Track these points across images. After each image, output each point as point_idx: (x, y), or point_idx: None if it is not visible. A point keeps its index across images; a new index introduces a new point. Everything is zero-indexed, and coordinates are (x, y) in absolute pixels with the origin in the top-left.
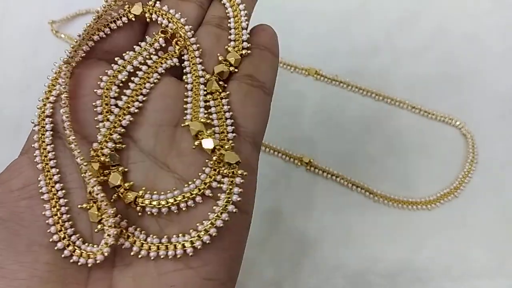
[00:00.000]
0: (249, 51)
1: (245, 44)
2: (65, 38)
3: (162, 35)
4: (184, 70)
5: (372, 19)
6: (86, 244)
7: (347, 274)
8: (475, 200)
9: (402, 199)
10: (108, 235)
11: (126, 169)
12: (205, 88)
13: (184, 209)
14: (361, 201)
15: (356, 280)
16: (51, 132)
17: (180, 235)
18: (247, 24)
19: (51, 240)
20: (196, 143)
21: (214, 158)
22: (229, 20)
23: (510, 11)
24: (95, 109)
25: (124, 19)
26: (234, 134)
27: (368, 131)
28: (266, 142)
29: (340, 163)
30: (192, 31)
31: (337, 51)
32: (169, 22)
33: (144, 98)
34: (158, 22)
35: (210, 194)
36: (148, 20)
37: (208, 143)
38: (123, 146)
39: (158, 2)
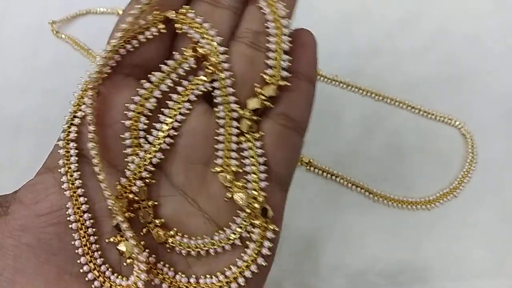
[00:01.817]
0: (288, 84)
1: (284, 74)
2: (66, 38)
3: (193, 54)
4: (215, 100)
5: (373, 20)
6: (115, 275)
7: (347, 274)
8: (474, 200)
9: (402, 199)
10: (138, 277)
11: (156, 203)
12: (237, 125)
13: (213, 253)
14: (361, 201)
15: (356, 280)
16: (77, 158)
17: (207, 276)
18: (290, 45)
19: (81, 270)
20: (228, 195)
21: (247, 210)
22: (268, 38)
23: (510, 12)
24: (123, 142)
25: (154, 29)
26: (267, 183)
27: (368, 131)
28: None
29: (340, 163)
30: (227, 56)
31: (338, 51)
32: (202, 37)
33: (175, 133)
34: (189, 35)
35: (240, 244)
36: (178, 31)
37: (240, 198)
38: (153, 181)
39: (192, 11)
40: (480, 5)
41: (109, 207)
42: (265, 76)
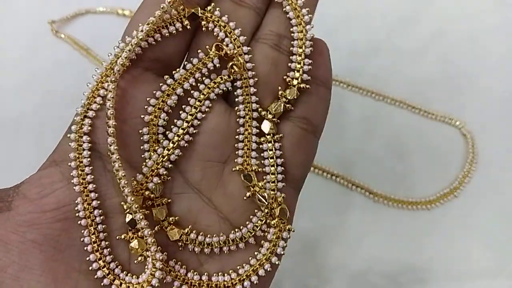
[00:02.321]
0: (308, 86)
1: (305, 77)
2: (65, 38)
3: (218, 53)
4: (237, 99)
5: (373, 20)
6: (125, 272)
7: (347, 274)
8: (475, 200)
9: (402, 199)
10: (152, 274)
11: (169, 200)
12: (257, 125)
13: (226, 252)
14: (361, 201)
15: (356, 280)
16: (89, 152)
17: (220, 274)
18: (311, 50)
19: (90, 268)
20: (248, 194)
21: (266, 211)
22: (292, 42)
23: (510, 11)
24: (141, 138)
25: (178, 25)
26: (283, 184)
27: (368, 131)
28: None
29: (340, 163)
30: (250, 54)
31: (337, 51)
32: (226, 36)
33: (194, 131)
34: (214, 33)
35: (254, 242)
36: (204, 29)
37: (262, 200)
38: (169, 178)
39: (217, 9)
40: (480, 5)
41: (127, 204)
42: (287, 79)
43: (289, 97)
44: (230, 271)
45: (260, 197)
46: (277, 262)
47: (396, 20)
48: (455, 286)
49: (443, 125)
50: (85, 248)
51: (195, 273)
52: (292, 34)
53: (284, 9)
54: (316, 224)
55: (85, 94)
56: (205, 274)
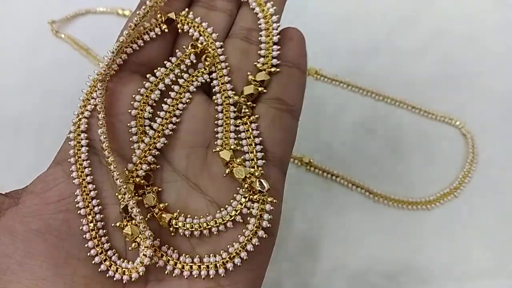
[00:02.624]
0: (278, 70)
1: (274, 61)
2: (65, 38)
3: (193, 50)
4: (214, 90)
5: (372, 19)
6: (121, 259)
7: (347, 274)
8: (475, 200)
9: (402, 199)
10: (144, 255)
11: (160, 189)
12: (235, 110)
13: (215, 232)
14: (361, 201)
15: (356, 280)
16: (87, 148)
17: (211, 255)
18: (279, 38)
19: (88, 254)
20: (227, 171)
21: (245, 186)
22: (260, 33)
23: (510, 11)
24: (129, 130)
25: (157, 30)
26: (263, 161)
27: (368, 131)
28: None
29: (340, 163)
30: (223, 48)
31: (337, 51)
32: (200, 35)
33: (177, 120)
34: (189, 33)
35: (241, 220)
36: (180, 30)
37: (239, 173)
38: (158, 167)
39: (191, 13)
40: (480, 5)
41: (118, 185)
42: (257, 65)
43: (257, 79)
44: (221, 251)
45: (237, 172)
46: (264, 236)
47: (396, 20)
48: (455, 286)
49: (443, 125)
50: (84, 236)
51: (187, 256)
52: (260, 26)
53: (251, 6)
54: (316, 224)
55: (80, 98)
56: (197, 256)
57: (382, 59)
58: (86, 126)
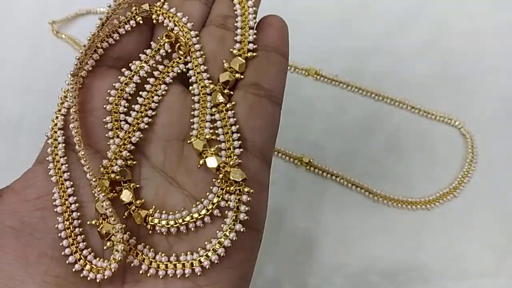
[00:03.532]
0: (254, 54)
1: (251, 46)
2: (66, 38)
3: (167, 40)
4: (190, 80)
5: (372, 19)
6: (98, 259)
7: (347, 274)
8: (474, 200)
9: (401, 199)
10: (117, 250)
11: (138, 186)
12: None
13: (192, 229)
14: (361, 201)
15: (356, 280)
16: (64, 145)
17: (188, 253)
18: (255, 23)
19: (63, 253)
20: (200, 162)
21: (220, 176)
22: (236, 19)
23: (510, 11)
24: (105, 126)
25: (132, 22)
26: (241, 150)
27: (368, 131)
28: None
29: (340, 163)
30: (198, 37)
31: (337, 51)
32: (175, 25)
33: (153, 113)
34: (164, 24)
35: (219, 214)
36: (154, 22)
37: (211, 162)
38: (134, 162)
39: (166, 4)
40: (480, 5)
41: (88, 179)
42: (233, 51)
43: (232, 66)
44: (198, 249)
45: (209, 162)
46: (242, 230)
47: (396, 20)
48: (455, 286)
49: (443, 125)
50: (59, 234)
51: (163, 255)
52: (236, 12)
53: None
54: (316, 224)
55: (59, 97)
56: (173, 255)
57: (382, 59)
58: (62, 123)
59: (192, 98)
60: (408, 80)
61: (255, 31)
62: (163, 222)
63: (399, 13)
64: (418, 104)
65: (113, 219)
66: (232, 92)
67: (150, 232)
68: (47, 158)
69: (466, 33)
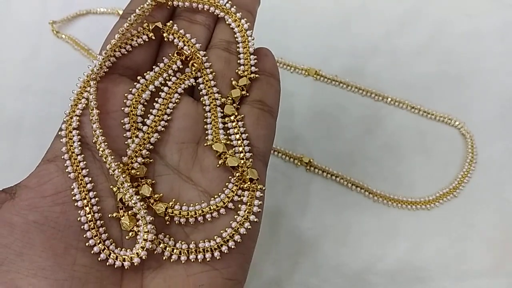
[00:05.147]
0: (257, 76)
1: (253, 69)
2: (66, 38)
3: (179, 57)
4: (201, 92)
5: (372, 19)
6: (119, 248)
7: (347, 273)
8: (474, 200)
9: (401, 199)
10: (145, 240)
11: (153, 181)
12: (221, 110)
13: (209, 219)
14: (361, 201)
15: (356, 280)
16: (80, 143)
17: (206, 241)
18: (254, 49)
19: (87, 244)
20: (220, 162)
21: (237, 175)
22: (237, 45)
23: (509, 10)
24: (123, 126)
25: (145, 37)
26: (251, 154)
27: (368, 131)
28: None
29: (340, 163)
30: (207, 57)
31: (337, 51)
32: (184, 44)
33: (168, 118)
34: (175, 43)
35: (232, 207)
36: (166, 39)
37: (233, 162)
38: (151, 160)
39: (175, 25)
40: (480, 5)
41: (117, 184)
42: (239, 72)
43: (240, 84)
44: (215, 237)
45: (231, 161)
46: (255, 220)
47: (396, 20)
48: (454, 285)
49: (443, 125)
50: (82, 227)
51: (183, 243)
52: (237, 39)
53: (227, 22)
54: (316, 224)
55: (71, 98)
56: (192, 242)
57: (382, 59)
58: (77, 123)
59: (204, 107)
60: (408, 80)
61: (255, 57)
62: (184, 213)
63: (399, 13)
64: (418, 104)
65: (143, 211)
66: (239, 106)
67: (167, 223)
68: (62, 157)
69: (466, 33)
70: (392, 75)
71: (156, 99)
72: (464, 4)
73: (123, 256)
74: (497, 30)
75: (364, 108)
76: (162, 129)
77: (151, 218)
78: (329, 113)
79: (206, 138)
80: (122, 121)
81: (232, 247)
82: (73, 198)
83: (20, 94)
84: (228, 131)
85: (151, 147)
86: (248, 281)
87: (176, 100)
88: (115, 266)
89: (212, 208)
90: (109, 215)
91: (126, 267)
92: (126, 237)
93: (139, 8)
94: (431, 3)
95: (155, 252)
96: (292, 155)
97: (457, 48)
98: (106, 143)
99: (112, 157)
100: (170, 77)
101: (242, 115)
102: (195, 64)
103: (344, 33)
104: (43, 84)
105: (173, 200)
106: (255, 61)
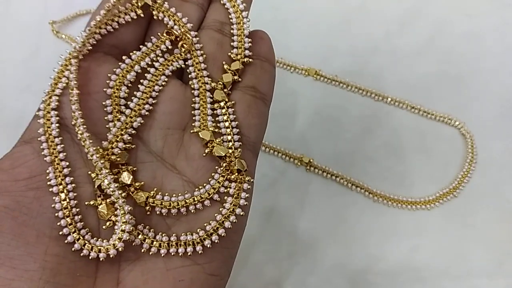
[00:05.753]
0: (251, 60)
1: (247, 52)
2: (66, 38)
3: (168, 37)
4: (190, 75)
5: (372, 19)
6: (95, 238)
7: (347, 274)
8: (474, 200)
9: (401, 199)
10: (123, 230)
11: (135, 168)
12: (211, 95)
13: (192, 211)
14: (361, 201)
15: (356, 279)
16: (58, 125)
17: (188, 233)
18: (249, 32)
19: (61, 233)
20: (206, 151)
21: (224, 165)
22: (232, 26)
23: (509, 10)
24: (105, 109)
25: (133, 14)
26: (240, 143)
27: (368, 131)
28: (266, 142)
29: (340, 163)
30: (197, 37)
31: (337, 51)
32: (175, 24)
33: (153, 101)
34: (164, 22)
35: (218, 199)
36: (155, 18)
37: (220, 151)
38: (133, 146)
39: (166, 2)
40: (478, 4)
41: (95, 170)
42: (231, 55)
43: (233, 69)
44: (198, 230)
45: (218, 150)
46: (241, 213)
47: (396, 20)
48: (454, 285)
49: (443, 125)
50: (56, 214)
51: (163, 235)
52: (231, 20)
53: (222, 1)
54: (316, 224)
55: (51, 77)
56: (174, 235)
57: (382, 59)
58: (56, 104)
59: (192, 92)
60: (408, 80)
61: (250, 40)
62: (166, 204)
63: (399, 13)
64: (418, 104)
65: (121, 200)
66: (230, 92)
67: (148, 213)
68: (39, 139)
69: (466, 33)
70: (392, 75)
71: (141, 80)
72: (464, 4)
73: (99, 247)
74: (497, 30)
75: (364, 108)
76: (147, 113)
77: (129, 208)
78: (329, 113)
79: (193, 124)
80: (104, 103)
81: (216, 241)
82: (48, 183)
83: (20, 94)
84: (217, 118)
85: (133, 132)
86: (248, 281)
87: (163, 83)
88: (90, 257)
89: (196, 199)
90: (86, 203)
91: (101, 259)
92: (103, 227)
93: None
94: (431, 3)
95: (133, 244)
96: (292, 155)
97: (457, 48)
98: (85, 126)
99: (91, 141)
100: (158, 58)
101: (233, 102)
102: (185, 45)
103: (344, 33)
104: (43, 84)
105: (155, 189)
106: (250, 44)
